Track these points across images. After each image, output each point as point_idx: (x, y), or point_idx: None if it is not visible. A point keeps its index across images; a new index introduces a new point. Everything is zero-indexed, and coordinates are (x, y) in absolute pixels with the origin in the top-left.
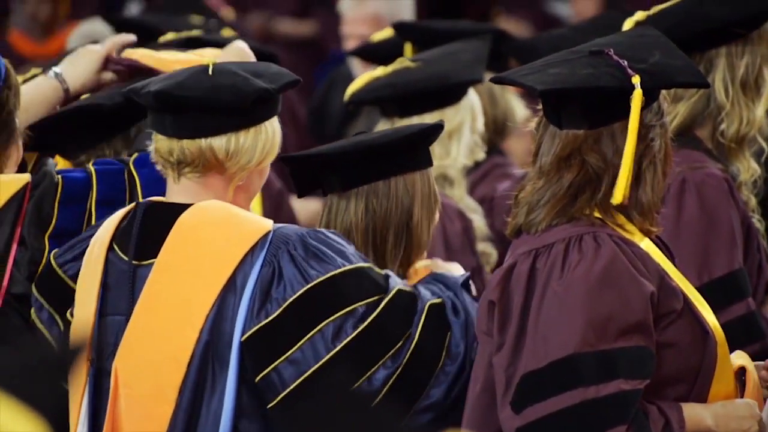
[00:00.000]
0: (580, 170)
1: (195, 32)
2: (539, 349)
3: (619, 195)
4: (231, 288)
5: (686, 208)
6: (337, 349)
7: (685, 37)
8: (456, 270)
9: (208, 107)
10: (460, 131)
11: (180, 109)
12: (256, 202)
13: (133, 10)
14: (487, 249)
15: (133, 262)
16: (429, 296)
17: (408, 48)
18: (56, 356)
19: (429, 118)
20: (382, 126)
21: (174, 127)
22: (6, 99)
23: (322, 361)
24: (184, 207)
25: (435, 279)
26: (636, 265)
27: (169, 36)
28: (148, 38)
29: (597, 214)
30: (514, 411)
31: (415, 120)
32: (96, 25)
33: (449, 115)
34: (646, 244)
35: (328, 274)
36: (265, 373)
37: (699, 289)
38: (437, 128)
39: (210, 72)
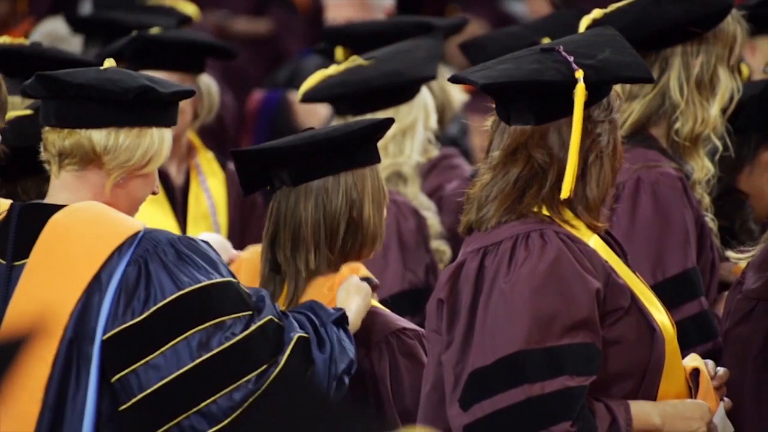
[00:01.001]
0: (526, 165)
1: (155, 29)
2: (487, 346)
3: (566, 190)
4: (96, 286)
5: (641, 207)
6: (201, 359)
7: (641, 36)
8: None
9: (90, 95)
10: (414, 128)
11: (63, 95)
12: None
13: (86, 7)
14: (440, 246)
15: (12, 263)
16: (297, 328)
17: (339, 52)
18: None
19: (382, 116)
20: (336, 122)
21: (58, 115)
22: None
23: (184, 369)
24: (58, 207)
25: (311, 308)
26: (582, 262)
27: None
28: (108, 36)
29: (545, 211)
30: (462, 408)
31: (368, 117)
32: (57, 24)
33: (403, 113)
34: (595, 241)
35: (201, 284)
36: (123, 375)
37: (653, 288)
38: (387, 123)
39: (103, 68)
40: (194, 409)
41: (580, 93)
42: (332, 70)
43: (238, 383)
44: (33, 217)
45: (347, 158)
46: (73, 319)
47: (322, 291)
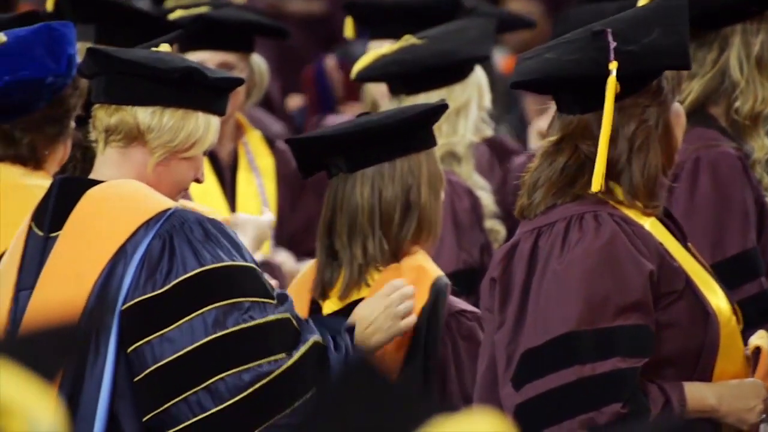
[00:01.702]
0: (572, 154)
1: (203, 8)
2: (539, 326)
3: (596, 183)
4: (120, 257)
5: (700, 187)
6: (215, 335)
7: (700, 15)
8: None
9: (137, 72)
10: (468, 108)
11: (111, 71)
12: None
13: None
14: (495, 226)
15: (48, 234)
16: (315, 332)
17: (348, 23)
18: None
19: (436, 95)
20: (390, 103)
21: (106, 91)
22: (68, 97)
23: (197, 344)
24: (96, 182)
25: (324, 321)
26: (636, 244)
27: (179, 13)
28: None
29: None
30: (514, 388)
31: (422, 97)
32: None
33: (456, 92)
34: (651, 224)
35: (224, 263)
36: (138, 346)
37: (711, 268)
38: (442, 108)
39: (155, 49)
40: (202, 385)
41: (610, 87)
42: (386, 49)
43: (249, 365)
44: (71, 190)
45: (402, 144)
46: (96, 289)
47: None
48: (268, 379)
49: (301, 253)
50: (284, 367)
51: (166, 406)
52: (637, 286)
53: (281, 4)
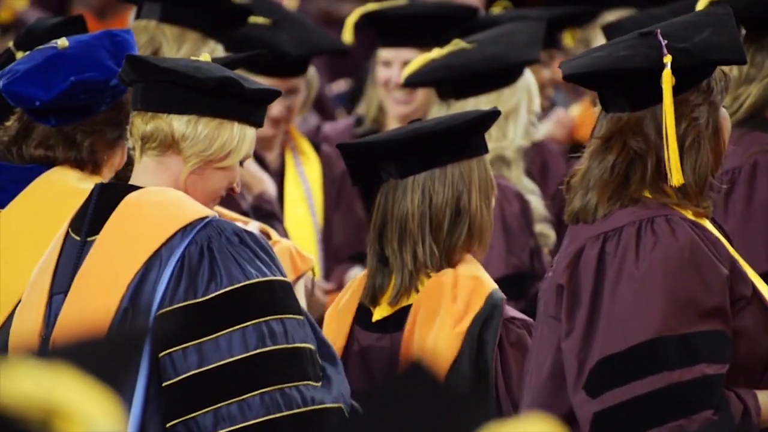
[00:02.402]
0: (621, 152)
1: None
2: (617, 333)
3: (676, 177)
4: (155, 261)
5: (758, 191)
6: (257, 351)
7: (759, 18)
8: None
9: (174, 80)
10: (517, 112)
11: (149, 79)
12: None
13: None
14: (544, 230)
15: (86, 239)
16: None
17: (349, 27)
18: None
19: (485, 100)
20: (438, 108)
21: (143, 98)
22: (127, 102)
23: (236, 358)
24: (135, 188)
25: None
26: (710, 248)
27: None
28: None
29: (649, 196)
30: (590, 395)
31: (471, 101)
32: None
33: (505, 96)
34: (709, 227)
35: (266, 278)
36: (172, 351)
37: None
38: (494, 115)
39: (197, 60)
40: (237, 399)
41: (667, 79)
42: (435, 53)
43: (286, 385)
44: (110, 196)
45: (454, 150)
46: (129, 290)
47: (440, 284)
48: (302, 410)
49: (348, 257)
50: (322, 406)
51: (195, 414)
52: (717, 291)
53: (333, 9)
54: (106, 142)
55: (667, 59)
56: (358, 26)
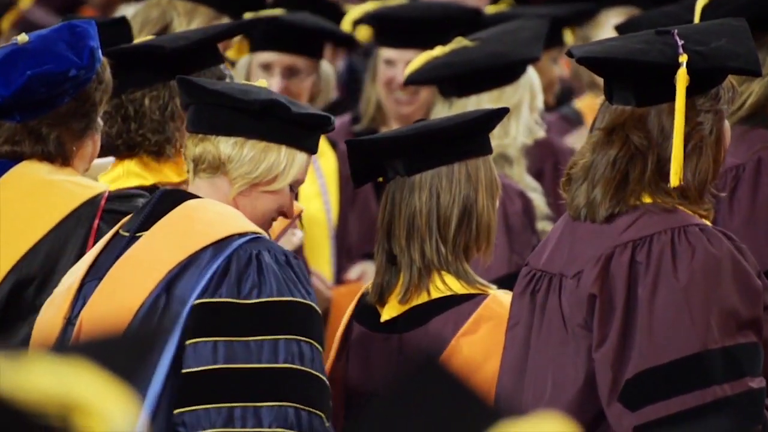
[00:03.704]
0: (623, 146)
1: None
2: (657, 345)
3: (674, 177)
4: (201, 257)
5: (762, 188)
6: (290, 366)
7: (758, 17)
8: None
9: (221, 102)
10: (519, 110)
11: (198, 101)
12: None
13: None
14: (546, 227)
15: (134, 234)
16: None
17: (362, 31)
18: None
19: (487, 97)
20: (440, 106)
21: (193, 120)
22: (93, 91)
23: (260, 365)
24: (197, 197)
25: None
26: (746, 258)
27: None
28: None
29: (647, 199)
30: (629, 408)
31: (473, 99)
32: None
33: (507, 94)
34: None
35: (308, 302)
36: (201, 341)
37: None
38: (501, 112)
39: (249, 84)
40: (252, 404)
41: (681, 78)
42: (437, 51)
43: (300, 406)
44: (169, 200)
45: (461, 149)
46: (166, 279)
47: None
48: None
49: (361, 256)
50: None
51: (210, 406)
52: (755, 302)
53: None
54: (73, 134)
55: (683, 58)
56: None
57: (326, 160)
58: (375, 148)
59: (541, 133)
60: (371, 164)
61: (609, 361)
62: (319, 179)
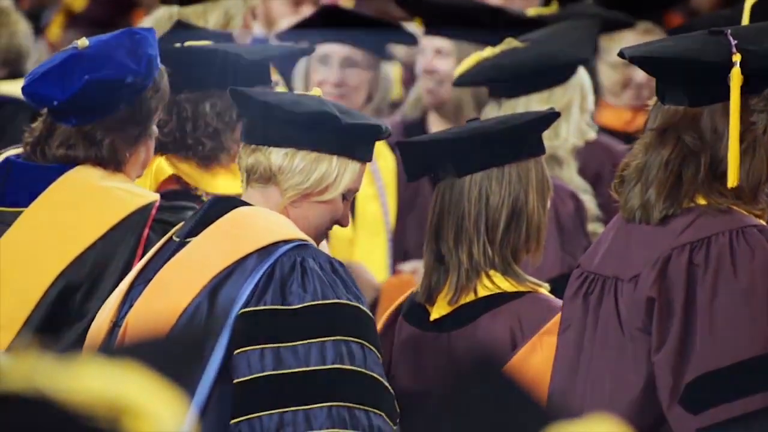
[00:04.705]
0: (675, 147)
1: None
2: (718, 347)
3: (732, 178)
4: (246, 264)
5: None
6: (329, 366)
7: None
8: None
9: (272, 114)
10: (569, 111)
11: (250, 112)
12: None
13: None
14: (597, 229)
15: (184, 240)
16: None
17: (417, 23)
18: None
19: (537, 99)
20: (490, 107)
21: (246, 131)
22: (149, 98)
23: (308, 368)
24: (248, 204)
25: None
26: None
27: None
28: None
29: (702, 200)
30: (691, 411)
31: (522, 100)
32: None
33: (557, 95)
34: None
35: (356, 303)
36: (249, 350)
37: None
38: (553, 116)
39: (303, 93)
40: (303, 407)
41: (736, 77)
42: (487, 52)
43: (353, 405)
44: (221, 206)
45: (512, 150)
46: (210, 285)
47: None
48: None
49: (418, 259)
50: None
51: (261, 414)
52: None
53: (389, 9)
54: (127, 140)
55: (737, 58)
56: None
57: (385, 162)
58: (426, 150)
59: (592, 135)
60: (423, 164)
61: (669, 364)
62: (377, 181)
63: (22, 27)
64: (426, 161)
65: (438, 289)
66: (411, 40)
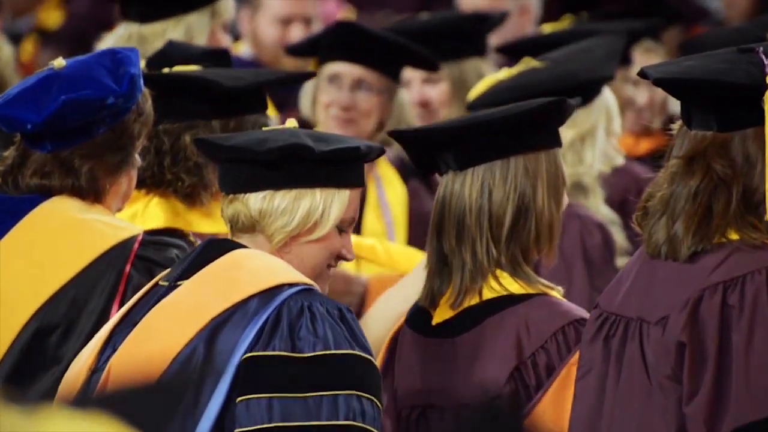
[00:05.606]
0: (705, 176)
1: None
2: (756, 397)
3: None
4: (248, 306)
5: None
6: (342, 423)
7: None
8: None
9: (240, 158)
10: (594, 135)
11: (219, 160)
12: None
13: None
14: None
15: (175, 283)
16: None
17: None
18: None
19: None
20: None
21: (221, 181)
22: (131, 122)
23: (320, 422)
24: (244, 246)
25: None
26: None
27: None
28: None
29: (734, 235)
30: None
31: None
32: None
33: (581, 118)
34: None
35: (368, 356)
36: (253, 398)
37: None
38: (558, 104)
39: (273, 128)
40: None
41: None
42: (504, 74)
43: None
44: (216, 248)
45: (516, 141)
46: (208, 328)
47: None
48: None
49: None
50: None
51: None
52: None
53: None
54: (108, 168)
55: None
56: None
57: (395, 194)
58: (425, 140)
59: (620, 160)
60: (425, 156)
61: (703, 415)
62: (385, 217)
63: (5, 53)
64: (427, 152)
65: (441, 292)
66: (431, 65)
